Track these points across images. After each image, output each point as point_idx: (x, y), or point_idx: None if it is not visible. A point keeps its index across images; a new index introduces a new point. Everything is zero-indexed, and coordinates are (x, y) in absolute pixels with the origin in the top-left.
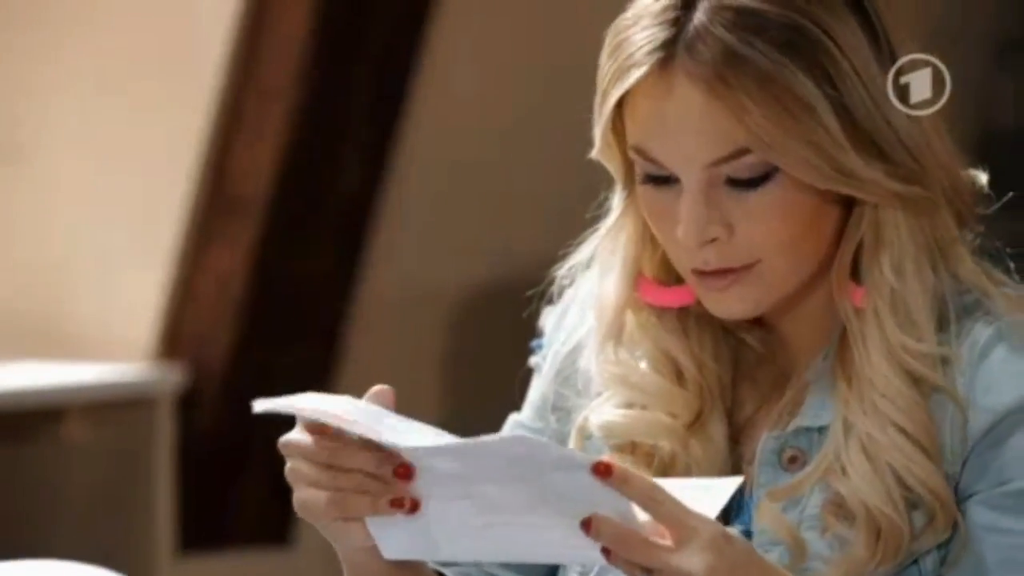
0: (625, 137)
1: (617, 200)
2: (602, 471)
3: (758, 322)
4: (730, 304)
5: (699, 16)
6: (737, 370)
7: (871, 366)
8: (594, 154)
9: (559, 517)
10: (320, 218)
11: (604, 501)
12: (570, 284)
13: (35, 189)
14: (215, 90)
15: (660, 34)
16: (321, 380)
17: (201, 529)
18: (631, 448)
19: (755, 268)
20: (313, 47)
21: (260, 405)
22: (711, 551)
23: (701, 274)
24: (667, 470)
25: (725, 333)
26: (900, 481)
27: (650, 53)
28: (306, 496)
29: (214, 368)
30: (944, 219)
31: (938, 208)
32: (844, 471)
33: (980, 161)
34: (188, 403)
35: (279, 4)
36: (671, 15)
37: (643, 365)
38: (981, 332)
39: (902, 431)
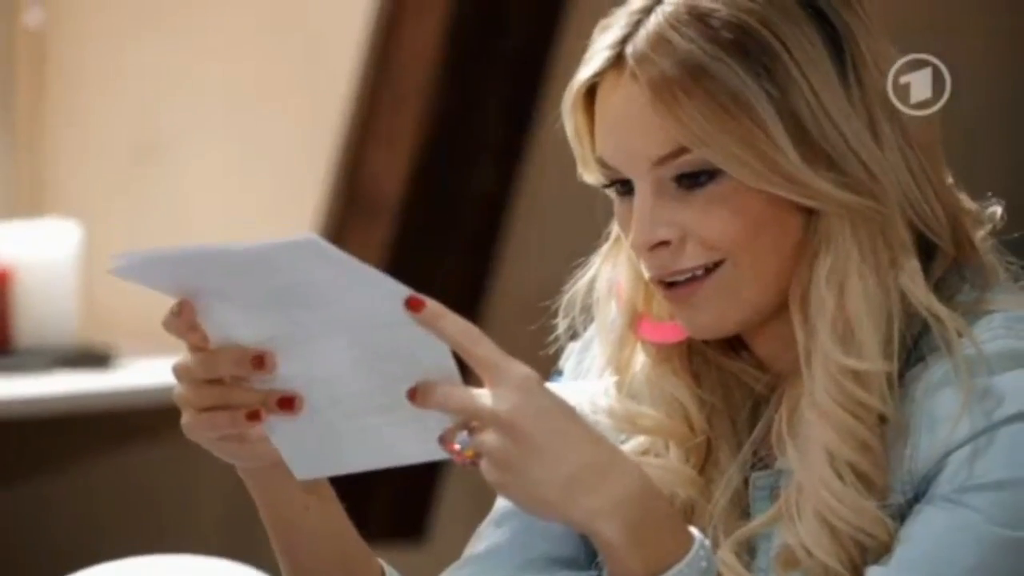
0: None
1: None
2: (414, 305)
3: (742, 345)
4: (699, 315)
5: (654, 18)
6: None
7: (816, 392)
8: (579, 172)
9: (398, 397)
10: (453, 221)
11: (426, 354)
12: (586, 317)
13: (172, 191)
14: (350, 93)
15: (618, 33)
16: None
17: None
18: None
19: (715, 274)
20: (447, 50)
21: (116, 261)
22: (519, 393)
23: (668, 287)
24: (688, 518)
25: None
26: (841, 528)
27: (604, 49)
28: (185, 419)
29: None
30: (899, 236)
31: (892, 224)
32: (793, 519)
33: None
34: None
35: (412, 7)
36: (635, 17)
37: (649, 408)
38: (931, 365)
39: (837, 464)
